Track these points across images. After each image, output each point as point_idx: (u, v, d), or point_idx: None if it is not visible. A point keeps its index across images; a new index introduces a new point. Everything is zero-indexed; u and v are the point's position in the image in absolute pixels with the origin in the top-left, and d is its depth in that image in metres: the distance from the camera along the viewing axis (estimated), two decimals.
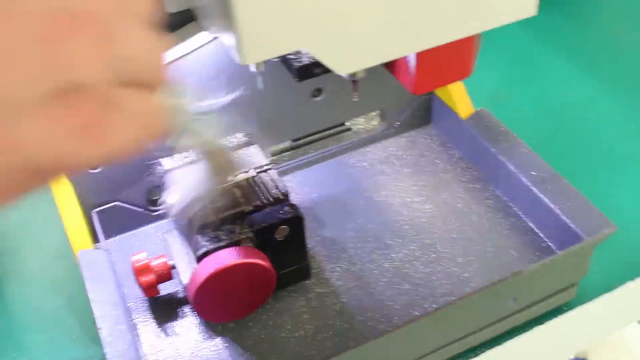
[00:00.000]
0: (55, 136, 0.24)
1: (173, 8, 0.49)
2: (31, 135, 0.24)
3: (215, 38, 0.53)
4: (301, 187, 0.72)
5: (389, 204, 0.70)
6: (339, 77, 0.51)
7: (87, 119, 0.25)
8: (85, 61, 0.25)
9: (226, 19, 0.39)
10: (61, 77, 0.24)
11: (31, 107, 0.23)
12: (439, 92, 0.75)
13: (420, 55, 0.48)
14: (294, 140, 0.74)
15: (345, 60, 0.43)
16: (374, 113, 0.77)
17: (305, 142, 0.75)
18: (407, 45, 0.44)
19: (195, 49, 0.58)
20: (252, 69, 0.49)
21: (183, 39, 0.50)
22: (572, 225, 0.60)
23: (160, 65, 0.30)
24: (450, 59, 0.50)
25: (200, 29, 0.49)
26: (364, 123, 0.78)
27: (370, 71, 0.49)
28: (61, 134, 0.24)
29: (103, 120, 0.26)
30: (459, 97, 0.72)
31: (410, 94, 0.74)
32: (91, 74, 0.25)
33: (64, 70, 0.24)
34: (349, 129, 0.77)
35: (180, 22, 0.50)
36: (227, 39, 0.41)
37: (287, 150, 0.75)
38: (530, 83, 0.91)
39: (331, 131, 0.76)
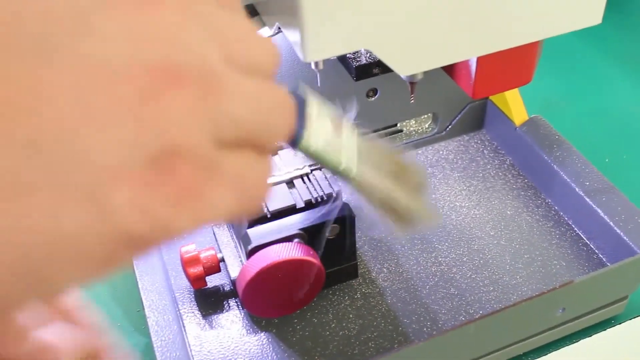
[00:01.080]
0: (149, 204, 0.22)
1: None
2: (126, 205, 0.22)
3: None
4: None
5: (438, 208, 0.69)
6: (394, 78, 0.51)
7: (185, 186, 0.23)
8: (185, 124, 0.22)
9: (291, 15, 0.39)
10: (158, 143, 0.22)
11: (125, 174, 0.21)
12: (494, 98, 0.75)
13: (481, 60, 0.48)
14: None
15: (407, 61, 0.43)
16: (426, 116, 0.77)
17: None
18: (470, 49, 0.44)
19: None
20: (312, 66, 0.49)
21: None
22: (626, 238, 0.59)
23: (275, 125, 0.26)
24: (512, 65, 0.49)
25: (263, 24, 0.49)
26: (415, 125, 0.78)
27: (426, 74, 0.48)
28: (156, 202, 0.22)
29: (201, 186, 0.23)
30: (513, 103, 0.72)
31: (463, 98, 0.74)
32: (190, 138, 0.23)
33: (160, 135, 0.22)
34: (400, 131, 0.77)
35: None
36: (291, 35, 0.41)
37: None
38: (586, 91, 0.90)
39: (383, 132, 0.76)
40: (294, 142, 0.35)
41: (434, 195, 0.71)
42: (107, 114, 0.21)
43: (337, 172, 0.39)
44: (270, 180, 0.29)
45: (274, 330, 0.59)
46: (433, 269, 0.63)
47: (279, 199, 0.57)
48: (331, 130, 0.38)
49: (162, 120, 0.22)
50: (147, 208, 0.22)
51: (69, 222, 0.21)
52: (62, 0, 0.21)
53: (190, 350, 0.56)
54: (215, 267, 0.59)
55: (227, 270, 0.60)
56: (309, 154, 0.37)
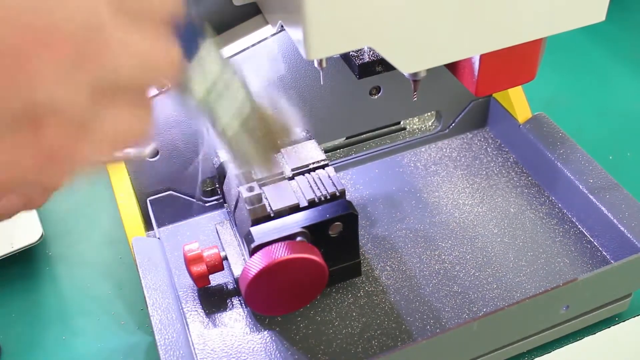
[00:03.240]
0: (17, 163, 0.22)
1: (238, 1, 0.49)
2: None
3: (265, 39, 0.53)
4: (354, 184, 0.72)
5: (441, 205, 0.69)
6: (398, 76, 0.51)
7: (55, 146, 0.22)
8: (56, 84, 0.22)
9: (294, 13, 0.39)
10: (26, 101, 0.21)
11: None
12: (497, 95, 0.75)
13: (484, 57, 0.48)
14: (349, 137, 0.74)
15: (410, 59, 0.43)
16: (429, 113, 0.77)
17: (360, 140, 0.75)
18: (473, 46, 0.44)
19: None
20: (315, 64, 0.49)
21: (248, 32, 0.50)
22: (630, 236, 0.59)
23: (157, 79, 0.26)
24: (515, 62, 0.49)
25: (266, 22, 0.49)
26: (419, 123, 0.78)
27: (429, 71, 0.48)
28: (25, 162, 0.22)
29: (71, 144, 0.23)
30: (516, 101, 0.72)
31: (466, 96, 0.74)
32: (64, 99, 0.22)
33: (30, 93, 0.21)
34: (403, 129, 0.77)
35: (245, 15, 0.50)
36: (294, 34, 0.41)
37: (341, 147, 0.74)
38: (590, 89, 0.90)
39: (386, 130, 0.76)
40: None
41: (437, 193, 0.71)
42: None
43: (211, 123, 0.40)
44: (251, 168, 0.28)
45: (277, 329, 0.59)
46: (436, 267, 0.63)
47: (282, 197, 0.57)
48: (215, 75, 0.37)
49: (28, 80, 0.21)
50: (14, 167, 0.22)
51: None
52: None
53: (194, 349, 0.56)
54: (218, 265, 0.59)
55: (231, 269, 0.60)
56: (188, 94, 0.37)
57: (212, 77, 0.38)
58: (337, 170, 0.73)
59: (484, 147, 0.76)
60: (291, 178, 0.59)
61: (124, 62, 0.23)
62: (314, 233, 0.56)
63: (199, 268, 0.59)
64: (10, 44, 0.21)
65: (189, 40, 0.34)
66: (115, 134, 0.24)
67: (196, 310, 0.61)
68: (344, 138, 0.74)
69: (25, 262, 0.70)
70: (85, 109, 0.23)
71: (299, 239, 0.55)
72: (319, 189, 0.58)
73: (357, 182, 0.72)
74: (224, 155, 0.61)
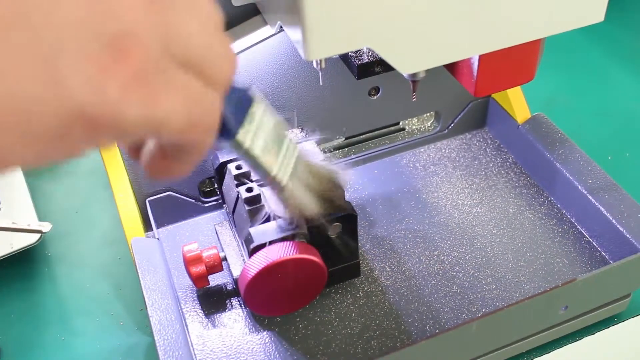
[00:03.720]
0: (102, 80, 0.23)
1: (237, 2, 0.49)
2: (79, 77, 0.23)
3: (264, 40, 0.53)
4: (353, 184, 0.72)
5: (440, 206, 0.69)
6: (397, 76, 0.51)
7: (136, 70, 0.24)
8: (141, 18, 0.24)
9: (293, 14, 0.39)
10: (113, 26, 0.23)
11: (81, 50, 0.23)
12: (496, 95, 0.75)
13: (483, 57, 0.48)
14: (348, 138, 0.74)
15: (409, 59, 0.43)
16: (428, 114, 0.77)
17: (359, 140, 0.75)
18: (472, 47, 0.44)
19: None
20: (314, 65, 0.49)
21: (247, 32, 0.50)
22: (629, 236, 0.59)
23: (223, 63, 0.29)
24: (514, 62, 0.49)
25: (265, 22, 0.49)
26: (418, 123, 0.78)
27: (428, 72, 0.49)
28: (108, 79, 0.23)
29: (152, 79, 0.25)
30: (515, 101, 0.72)
31: (465, 96, 0.74)
32: (145, 31, 0.24)
33: (116, 19, 0.23)
34: (403, 129, 0.77)
35: (244, 16, 0.50)
36: (293, 34, 0.41)
37: (340, 147, 0.75)
38: (589, 89, 0.90)
39: (385, 130, 0.76)
40: (229, 133, 0.38)
41: (436, 194, 0.71)
42: None
43: (267, 177, 0.43)
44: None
45: (276, 329, 0.59)
46: (435, 267, 0.63)
47: None
48: (271, 136, 0.41)
49: (118, 7, 0.23)
50: (100, 86, 0.23)
51: (20, 89, 0.22)
52: None
53: (193, 349, 0.56)
54: (217, 266, 0.59)
55: (230, 269, 0.60)
56: (241, 150, 0.39)
57: (265, 135, 0.42)
58: None
59: (483, 147, 0.76)
60: None
61: (193, 29, 0.27)
62: (313, 233, 0.56)
63: (198, 269, 0.59)
64: None
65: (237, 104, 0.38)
66: (187, 97, 0.27)
67: (195, 311, 0.61)
68: (343, 138, 0.74)
69: (25, 262, 0.70)
70: (161, 53, 0.25)
71: (298, 239, 0.55)
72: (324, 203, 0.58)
73: (356, 183, 0.72)
74: (223, 156, 0.61)
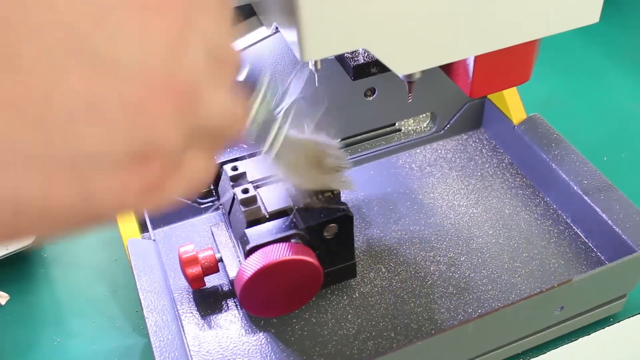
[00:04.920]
0: (122, 194, 0.24)
1: (233, 3, 0.49)
2: (103, 191, 0.24)
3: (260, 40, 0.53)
4: None
5: (436, 207, 0.69)
6: (392, 77, 0.51)
7: (153, 180, 0.25)
8: (167, 128, 0.25)
9: (289, 15, 0.39)
10: (142, 141, 0.24)
11: (108, 166, 0.24)
12: (492, 96, 0.75)
13: (479, 58, 0.48)
14: (344, 139, 0.74)
15: (404, 60, 0.43)
16: (424, 115, 0.77)
17: (355, 141, 0.75)
18: (467, 48, 0.44)
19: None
20: (310, 66, 0.49)
21: (243, 33, 0.50)
22: (624, 237, 0.59)
23: (236, 133, 0.30)
24: (510, 63, 0.49)
25: (261, 23, 0.49)
26: (414, 124, 0.78)
27: (423, 73, 0.49)
28: (128, 193, 0.25)
29: (165, 181, 0.26)
30: (511, 102, 0.72)
31: (461, 97, 0.74)
32: (169, 140, 0.25)
33: (146, 135, 0.24)
34: (398, 130, 0.77)
35: (240, 17, 0.50)
36: (288, 35, 0.41)
37: None
38: (584, 90, 0.90)
39: (381, 131, 0.76)
40: None
41: (432, 194, 0.71)
42: (106, 106, 0.23)
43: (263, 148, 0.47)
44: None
45: (272, 330, 0.59)
46: (431, 268, 0.63)
47: (277, 199, 0.57)
48: (270, 110, 0.43)
49: (151, 120, 0.24)
50: (119, 197, 0.24)
51: (54, 199, 0.23)
52: None
53: (189, 351, 0.56)
54: (213, 267, 0.59)
55: (226, 271, 0.60)
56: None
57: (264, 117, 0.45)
58: None
59: (479, 148, 0.76)
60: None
61: (212, 114, 0.27)
62: (309, 235, 0.56)
63: (194, 270, 0.59)
64: (139, 95, 0.24)
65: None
66: (194, 173, 0.28)
67: (191, 312, 0.61)
68: (339, 140, 0.74)
69: (20, 264, 0.70)
70: (182, 151, 0.26)
71: (294, 240, 0.55)
72: (314, 191, 0.58)
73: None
74: (220, 157, 0.61)
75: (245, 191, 0.57)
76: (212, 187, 0.68)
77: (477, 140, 0.77)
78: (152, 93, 0.24)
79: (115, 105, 0.23)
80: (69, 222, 0.24)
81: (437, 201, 0.70)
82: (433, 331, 0.58)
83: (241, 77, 0.35)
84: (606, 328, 0.61)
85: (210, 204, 0.69)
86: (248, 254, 0.54)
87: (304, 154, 0.51)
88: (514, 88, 0.72)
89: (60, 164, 0.23)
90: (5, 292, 0.67)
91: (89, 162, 0.23)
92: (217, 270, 0.60)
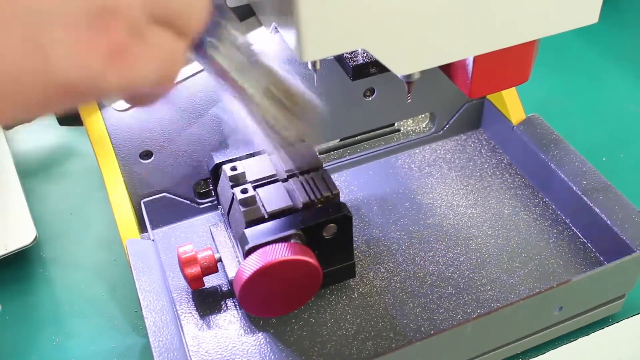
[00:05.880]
0: (86, 55, 0.24)
1: (232, 3, 0.49)
2: (64, 52, 0.24)
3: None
4: (348, 186, 0.72)
5: (435, 207, 0.69)
6: (391, 77, 0.51)
7: (117, 44, 0.25)
8: None
9: (287, 15, 0.39)
10: (98, 1, 0.24)
11: (66, 25, 0.24)
12: (491, 97, 0.75)
13: (478, 59, 0.48)
14: (343, 139, 0.74)
15: (404, 61, 0.43)
16: (423, 115, 0.77)
17: (354, 142, 0.75)
18: (467, 48, 0.44)
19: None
20: (309, 66, 0.49)
21: (242, 33, 0.50)
22: (623, 237, 0.59)
23: (198, 15, 0.30)
24: (509, 64, 0.49)
25: (260, 24, 0.49)
26: (413, 125, 0.78)
27: (423, 73, 0.49)
28: (92, 54, 0.25)
29: (131, 47, 0.26)
30: (510, 102, 0.72)
31: (460, 97, 0.74)
32: (127, 3, 0.25)
33: None
34: (398, 130, 0.77)
35: (239, 17, 0.50)
36: (288, 36, 0.41)
37: (335, 148, 0.74)
38: (583, 90, 0.90)
39: (380, 131, 0.76)
40: (202, 50, 0.40)
41: (431, 195, 0.71)
42: None
43: (238, 92, 0.44)
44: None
45: (271, 330, 0.59)
46: (430, 268, 0.63)
47: (276, 199, 0.57)
48: (242, 51, 0.41)
49: None
50: (82, 59, 0.24)
51: (9, 62, 0.23)
52: None
53: (188, 351, 0.56)
54: (212, 267, 0.59)
55: (225, 271, 0.60)
56: (212, 65, 0.41)
57: (234, 46, 0.42)
58: (331, 172, 0.73)
59: (478, 148, 0.76)
60: (285, 180, 0.59)
61: None
62: (308, 235, 0.56)
63: (193, 270, 0.59)
64: None
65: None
66: (160, 55, 0.28)
67: (190, 312, 0.61)
68: (338, 140, 0.74)
69: (19, 264, 0.70)
70: (141, 18, 0.26)
71: (293, 240, 0.55)
72: (312, 190, 0.58)
73: (351, 184, 0.73)
74: (218, 157, 0.61)
75: (245, 191, 0.57)
76: (210, 187, 0.68)
77: (476, 141, 0.77)
78: None
79: None
80: (32, 88, 0.24)
81: (436, 201, 0.70)
82: (432, 331, 0.58)
83: None
84: (605, 328, 0.61)
85: (209, 204, 0.69)
86: (247, 254, 0.54)
87: (290, 96, 0.49)
88: (513, 88, 0.72)
89: (11, 21, 0.23)
90: (3, 292, 0.67)
91: (41, 17, 0.23)
92: (216, 271, 0.60)
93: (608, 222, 0.61)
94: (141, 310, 0.55)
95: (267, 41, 0.50)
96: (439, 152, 0.76)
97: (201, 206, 0.69)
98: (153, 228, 0.67)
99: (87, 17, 0.24)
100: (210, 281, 0.62)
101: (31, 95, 0.24)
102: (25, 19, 0.23)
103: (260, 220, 0.56)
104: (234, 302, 0.61)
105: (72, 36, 0.24)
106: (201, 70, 0.59)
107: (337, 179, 0.73)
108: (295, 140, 0.49)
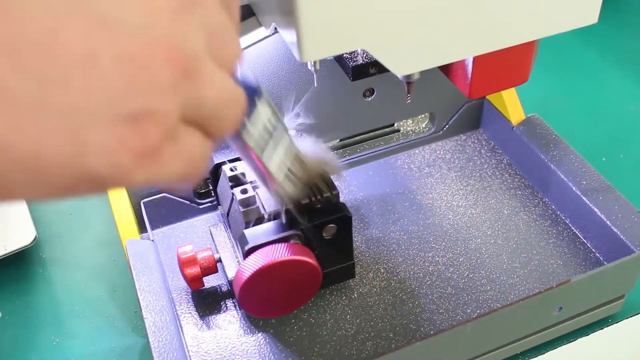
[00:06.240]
0: (117, 153, 0.25)
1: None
2: (97, 146, 0.24)
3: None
4: (347, 186, 0.72)
5: (435, 207, 0.69)
6: (391, 78, 0.51)
7: (150, 145, 0.26)
8: (164, 93, 0.25)
9: (287, 15, 0.39)
10: (138, 103, 0.25)
11: (104, 122, 0.24)
12: (490, 97, 0.75)
13: (477, 59, 0.48)
14: (343, 139, 0.74)
15: (403, 61, 0.43)
16: (423, 115, 0.77)
17: (354, 142, 0.75)
18: (466, 49, 0.44)
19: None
20: (309, 67, 0.49)
21: (242, 34, 0.50)
22: (623, 237, 0.59)
23: (232, 117, 0.30)
24: (508, 64, 0.49)
25: (259, 24, 0.49)
26: (412, 125, 0.78)
27: (422, 73, 0.49)
28: (123, 152, 0.25)
29: (162, 149, 0.26)
30: (510, 102, 0.72)
31: (460, 98, 0.74)
32: (166, 106, 0.26)
33: (142, 97, 0.25)
34: (397, 130, 0.77)
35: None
36: (287, 36, 0.41)
37: (335, 149, 0.75)
38: (583, 90, 0.90)
39: (380, 132, 0.76)
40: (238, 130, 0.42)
41: (430, 195, 0.71)
42: (105, 61, 0.24)
43: (262, 172, 0.47)
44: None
45: (271, 331, 0.59)
46: (430, 269, 0.63)
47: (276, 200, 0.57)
48: (270, 131, 0.43)
49: (149, 84, 0.25)
50: (115, 156, 0.25)
51: (45, 147, 0.23)
52: None
53: (188, 351, 0.56)
54: (212, 267, 0.59)
55: (224, 271, 0.60)
56: (241, 145, 0.43)
57: (266, 126, 0.44)
58: None
59: (478, 148, 0.76)
60: None
61: (209, 92, 0.28)
62: (308, 235, 0.56)
63: (193, 270, 0.59)
64: (138, 55, 0.24)
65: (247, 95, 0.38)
66: (189, 156, 0.28)
67: (190, 313, 0.61)
68: (338, 140, 0.74)
69: (19, 264, 0.70)
70: (176, 121, 0.27)
71: (292, 241, 0.55)
72: (313, 191, 0.58)
73: (351, 184, 0.73)
74: (218, 158, 0.61)
75: (244, 191, 0.57)
76: (210, 187, 0.68)
77: (475, 141, 0.77)
78: (152, 55, 0.25)
79: (115, 62, 0.24)
80: (61, 179, 0.24)
81: (436, 202, 0.70)
82: (432, 332, 0.58)
83: (239, 74, 0.35)
84: (605, 328, 0.61)
85: (209, 204, 0.69)
86: (247, 254, 0.54)
87: (307, 173, 0.52)
88: (513, 89, 0.72)
89: (54, 113, 0.23)
90: (3, 292, 0.67)
91: (82, 115, 0.24)
92: (216, 271, 0.60)
93: (608, 222, 0.61)
94: (141, 310, 0.55)
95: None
96: (438, 152, 0.76)
97: (201, 206, 0.69)
98: (153, 228, 0.67)
99: (128, 117, 0.25)
100: (209, 281, 0.62)
101: (58, 184, 0.25)
102: (72, 111, 0.23)
103: (260, 220, 0.56)
104: (233, 302, 0.61)
105: (109, 133, 0.24)
106: None
107: (337, 179, 0.73)
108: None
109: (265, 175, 0.47)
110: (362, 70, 0.57)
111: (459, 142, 0.77)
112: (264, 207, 0.56)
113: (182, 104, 0.27)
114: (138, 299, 0.56)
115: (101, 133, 0.24)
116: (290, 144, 0.48)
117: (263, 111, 0.43)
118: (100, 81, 0.24)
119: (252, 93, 0.42)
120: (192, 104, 0.27)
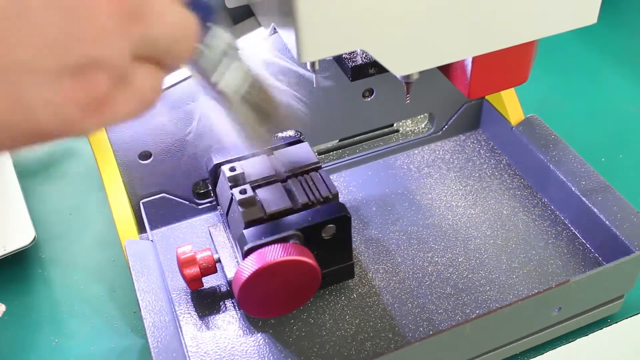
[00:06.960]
0: (64, 106, 0.24)
1: (231, 4, 0.49)
2: (42, 103, 0.24)
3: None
4: (347, 186, 0.72)
5: (434, 207, 0.69)
6: (390, 78, 0.51)
7: (98, 95, 0.25)
8: (110, 40, 0.25)
9: (286, 16, 0.39)
10: (82, 53, 0.24)
11: (47, 76, 0.24)
12: (490, 97, 0.75)
13: (477, 59, 0.48)
14: (342, 140, 0.74)
15: (402, 61, 0.43)
16: (422, 116, 0.77)
17: (353, 142, 0.75)
18: (465, 49, 0.44)
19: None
20: (308, 67, 0.49)
21: (241, 34, 0.50)
22: (622, 237, 0.59)
23: (185, 50, 0.30)
24: (508, 64, 0.49)
25: (259, 24, 0.49)
26: (412, 125, 0.78)
27: (421, 74, 0.49)
28: (71, 106, 0.24)
29: (112, 96, 0.26)
30: (509, 103, 0.72)
31: (459, 98, 0.74)
32: (113, 53, 0.25)
33: (86, 47, 0.24)
34: (397, 131, 0.77)
35: (238, 18, 0.50)
36: (286, 36, 0.41)
37: (334, 149, 0.75)
38: (582, 91, 0.90)
39: (379, 132, 0.76)
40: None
41: (430, 195, 0.71)
42: (40, 18, 0.23)
43: (214, 87, 0.44)
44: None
45: (270, 331, 0.59)
46: (429, 269, 0.63)
47: (275, 200, 0.57)
48: (224, 52, 0.42)
49: (90, 33, 0.24)
50: (60, 109, 0.24)
51: None
52: None
53: (187, 351, 0.56)
54: (211, 268, 0.59)
55: (224, 271, 0.60)
56: (203, 68, 0.42)
57: (221, 50, 0.42)
58: (330, 172, 0.73)
59: (477, 149, 0.76)
60: (284, 180, 0.59)
61: (160, 30, 0.27)
62: (307, 235, 0.56)
63: (192, 270, 0.59)
64: (79, 2, 0.24)
65: (202, 17, 0.37)
66: (143, 91, 0.28)
67: (189, 313, 0.61)
68: (337, 140, 0.74)
69: (18, 264, 0.70)
70: (127, 65, 0.26)
71: (292, 241, 0.55)
72: (312, 191, 0.58)
73: (350, 185, 0.73)
74: (217, 158, 0.61)
75: (243, 192, 0.57)
76: (209, 187, 0.68)
77: (475, 141, 0.77)
78: (90, 4, 0.24)
79: (47, 10, 0.23)
80: (10, 134, 0.24)
81: (435, 202, 0.70)
82: (431, 332, 0.58)
83: None
84: (604, 329, 0.61)
85: (208, 204, 0.69)
86: (246, 254, 0.54)
87: (265, 99, 0.49)
88: (512, 89, 0.72)
89: None
90: (2, 292, 0.67)
91: (21, 71, 0.23)
92: (215, 271, 0.60)
93: (607, 222, 0.61)
94: (140, 310, 0.55)
95: (259, 45, 0.50)
96: (437, 152, 0.76)
97: (200, 207, 0.69)
98: (152, 228, 0.67)
99: (74, 69, 0.24)
100: (209, 282, 0.62)
101: (7, 139, 0.24)
102: (8, 72, 0.23)
103: (259, 220, 0.56)
104: (232, 302, 0.61)
105: (51, 86, 0.24)
106: None
107: (336, 179, 0.73)
108: (263, 145, 0.51)
109: (221, 99, 0.46)
110: (362, 70, 0.57)
111: (458, 142, 0.77)
112: (263, 208, 0.56)
113: (133, 46, 0.26)
114: (137, 300, 0.56)
115: (46, 88, 0.24)
116: (247, 68, 0.46)
117: (218, 33, 0.42)
118: (34, 32, 0.23)
119: (206, 15, 0.41)
120: (144, 44, 0.26)
